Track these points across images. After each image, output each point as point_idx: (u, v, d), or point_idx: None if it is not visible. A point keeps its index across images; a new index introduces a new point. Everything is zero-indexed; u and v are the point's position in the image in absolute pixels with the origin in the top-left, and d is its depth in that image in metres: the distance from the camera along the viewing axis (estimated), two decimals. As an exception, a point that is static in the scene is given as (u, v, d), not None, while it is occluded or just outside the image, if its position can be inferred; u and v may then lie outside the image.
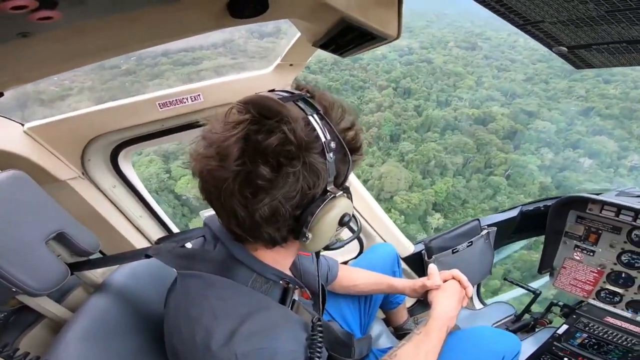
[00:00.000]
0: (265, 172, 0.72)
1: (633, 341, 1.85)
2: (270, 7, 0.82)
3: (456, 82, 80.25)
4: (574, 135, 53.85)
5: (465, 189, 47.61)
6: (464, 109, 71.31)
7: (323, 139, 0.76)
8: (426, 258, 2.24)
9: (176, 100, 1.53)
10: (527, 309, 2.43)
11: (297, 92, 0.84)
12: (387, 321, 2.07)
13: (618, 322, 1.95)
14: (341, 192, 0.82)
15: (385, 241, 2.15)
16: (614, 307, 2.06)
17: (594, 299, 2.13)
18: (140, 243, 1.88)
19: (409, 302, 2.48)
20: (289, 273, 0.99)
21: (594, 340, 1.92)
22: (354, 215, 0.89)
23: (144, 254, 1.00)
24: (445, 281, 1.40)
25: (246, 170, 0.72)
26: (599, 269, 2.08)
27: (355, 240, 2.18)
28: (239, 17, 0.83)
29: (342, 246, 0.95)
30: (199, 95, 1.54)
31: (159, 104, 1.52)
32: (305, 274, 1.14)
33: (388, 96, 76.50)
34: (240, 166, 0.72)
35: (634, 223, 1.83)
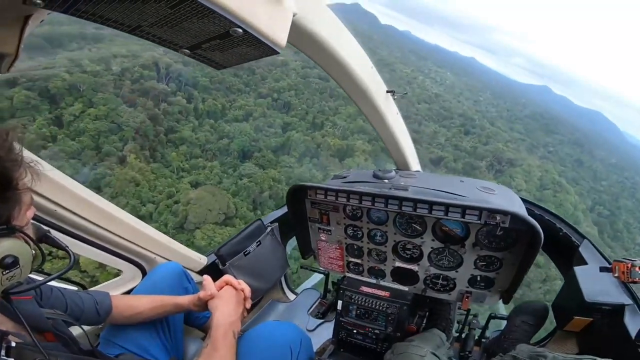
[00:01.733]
0: None
1: (385, 305, 2.17)
2: None
3: (339, 106, 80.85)
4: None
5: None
6: (330, 138, 71.59)
7: None
8: (221, 266, 2.29)
9: None
10: (325, 290, 2.91)
11: None
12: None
13: (370, 290, 2.26)
14: None
15: (169, 261, 2.05)
16: (362, 276, 2.38)
17: (347, 272, 2.43)
18: None
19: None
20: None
21: (362, 310, 2.23)
22: (66, 249, 0.89)
23: None
24: (220, 289, 1.47)
25: None
26: (339, 245, 2.35)
27: (135, 267, 2.04)
28: None
29: (36, 287, 0.92)
30: None
31: None
32: (32, 317, 1.01)
33: (261, 106, 73.38)
34: None
35: (338, 202, 2.06)
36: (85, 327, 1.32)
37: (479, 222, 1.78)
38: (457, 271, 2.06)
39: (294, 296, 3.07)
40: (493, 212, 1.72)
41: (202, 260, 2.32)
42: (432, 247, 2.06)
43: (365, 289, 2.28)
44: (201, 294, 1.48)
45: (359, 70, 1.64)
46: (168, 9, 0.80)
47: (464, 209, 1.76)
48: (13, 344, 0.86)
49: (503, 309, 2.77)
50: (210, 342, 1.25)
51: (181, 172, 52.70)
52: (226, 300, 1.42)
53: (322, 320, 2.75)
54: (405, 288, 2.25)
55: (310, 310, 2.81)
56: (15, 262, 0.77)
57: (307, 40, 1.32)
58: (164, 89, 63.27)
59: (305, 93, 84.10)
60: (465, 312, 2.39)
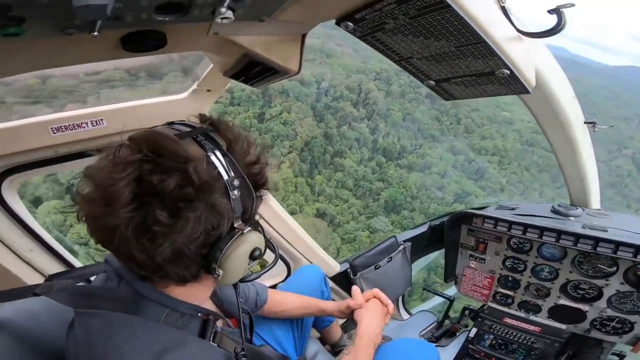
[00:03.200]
0: (163, 217, 0.66)
1: (532, 339, 2.11)
2: (169, 43, 0.84)
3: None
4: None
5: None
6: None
7: (226, 177, 0.73)
8: (352, 276, 2.37)
9: (73, 124, 1.38)
10: (445, 315, 2.70)
11: (197, 125, 0.80)
12: (323, 339, 2.13)
13: (515, 322, 2.19)
14: (249, 228, 0.79)
15: (311, 262, 2.24)
16: (509, 308, 2.28)
17: (492, 302, 2.34)
18: (32, 279, 1.67)
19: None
20: (208, 305, 0.99)
21: (500, 340, 2.18)
22: (271, 243, 0.93)
23: (31, 292, 0.87)
24: (367, 300, 1.52)
25: (140, 216, 0.66)
26: (490, 274, 2.29)
27: (283, 264, 2.27)
28: (134, 52, 0.85)
29: (258, 277, 0.96)
30: (101, 120, 1.41)
31: (51, 128, 1.36)
32: (229, 302, 1.13)
33: (447, 163, 61.21)
34: (132, 212, 0.66)
35: (509, 233, 2.03)
36: None
37: None
38: None
39: (408, 316, 2.94)
40: None
41: (336, 267, 2.38)
42: (617, 290, 1.90)
43: (509, 320, 2.21)
44: (351, 302, 1.51)
45: (561, 99, 1.52)
46: (453, 47, 0.83)
47: None
48: (219, 328, 0.92)
49: None
50: (352, 350, 1.29)
51: (320, 195, 50.71)
52: (373, 312, 1.45)
53: (434, 344, 2.52)
54: (563, 326, 2.11)
55: (423, 332, 2.68)
56: (260, 254, 0.83)
57: (543, 92, 1.37)
58: (353, 112, 63.31)
59: (513, 164, 64.05)
60: (617, 358, 2.12)
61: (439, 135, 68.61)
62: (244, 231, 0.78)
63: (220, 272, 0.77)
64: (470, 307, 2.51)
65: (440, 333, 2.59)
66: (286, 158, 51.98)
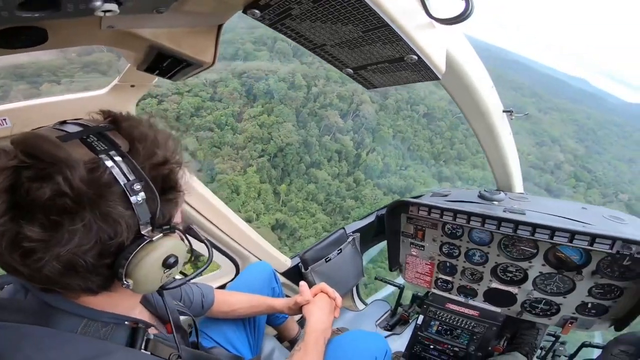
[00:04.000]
0: (33, 232, 0.59)
1: (472, 324, 2.16)
2: (52, 38, 0.78)
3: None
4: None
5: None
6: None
7: (123, 181, 0.66)
8: (303, 270, 2.38)
9: None
10: (398, 303, 2.81)
11: (92, 124, 0.71)
12: (280, 336, 2.12)
13: (456, 308, 2.24)
14: (160, 234, 0.73)
15: (260, 259, 2.17)
16: (450, 293, 2.34)
17: (434, 288, 2.39)
18: None
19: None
20: (138, 313, 0.93)
21: (445, 326, 2.21)
22: (207, 244, 0.92)
23: None
24: (315, 295, 1.51)
25: (12, 230, 0.59)
26: (430, 261, 2.33)
27: (230, 263, 2.18)
28: (10, 48, 0.77)
29: (185, 282, 0.93)
30: (4, 119, 1.26)
31: None
32: (162, 308, 1.04)
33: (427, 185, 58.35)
34: (5, 225, 0.59)
35: (441, 219, 2.07)
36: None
37: (609, 251, 1.71)
38: (565, 297, 1.98)
39: (363, 306, 3.01)
40: (631, 242, 1.66)
41: (287, 262, 2.36)
42: (540, 272, 1.98)
43: (451, 306, 2.27)
44: (298, 298, 1.51)
45: (480, 88, 1.63)
46: (361, 32, 0.84)
47: (593, 238, 1.71)
48: (151, 336, 0.88)
49: (598, 338, 2.66)
50: (302, 346, 1.28)
51: (284, 206, 48.12)
52: (321, 307, 1.46)
53: (389, 333, 2.69)
54: (498, 309, 2.20)
55: (379, 321, 2.77)
56: (176, 262, 0.79)
57: (454, 70, 1.40)
58: (339, 122, 60.46)
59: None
60: (553, 338, 2.29)
61: (429, 158, 65.68)
62: (153, 238, 0.73)
63: (130, 281, 0.71)
64: (418, 294, 2.71)
65: (395, 321, 2.70)
66: (255, 161, 49.44)
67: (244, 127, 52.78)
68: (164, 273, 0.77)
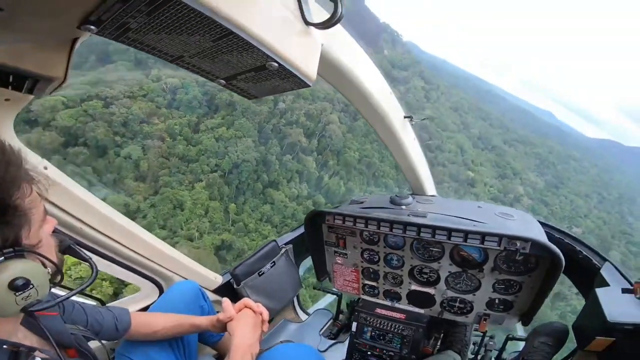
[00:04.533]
0: None
1: (401, 327, 2.19)
2: None
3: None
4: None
5: None
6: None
7: None
8: (235, 285, 2.32)
9: None
10: (338, 311, 2.89)
11: None
12: (219, 354, 2.12)
13: (385, 312, 2.28)
14: (2, 257, 0.75)
15: (185, 279, 2.08)
16: (377, 298, 2.39)
17: (363, 294, 2.44)
18: None
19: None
20: (17, 338, 0.94)
21: (377, 331, 2.24)
22: (91, 263, 0.95)
23: None
24: (239, 311, 1.52)
25: None
26: (355, 268, 2.37)
27: (151, 284, 2.06)
28: None
29: (56, 303, 0.91)
30: None
31: None
32: (57, 333, 1.04)
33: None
34: None
35: (356, 227, 2.12)
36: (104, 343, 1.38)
37: (498, 248, 1.81)
38: (474, 294, 2.07)
39: (306, 316, 3.05)
40: (513, 238, 1.76)
41: (218, 279, 2.32)
42: (449, 272, 2.07)
43: (380, 311, 2.30)
44: (221, 315, 1.50)
45: (378, 97, 1.68)
46: (211, 42, 0.83)
47: (483, 236, 1.81)
48: (38, 359, 0.89)
49: (521, 330, 2.74)
50: None
51: (232, 226, 45.10)
52: (245, 323, 1.45)
53: (334, 341, 2.71)
54: (422, 311, 2.26)
55: (322, 330, 2.79)
56: (27, 284, 0.78)
57: (332, 70, 1.37)
58: (303, 141, 58.51)
59: None
60: (481, 334, 2.37)
61: (393, 186, 65.00)
62: None
63: None
64: (352, 300, 2.72)
65: (337, 330, 2.73)
66: (206, 177, 46.29)
67: (199, 138, 49.63)
68: (16, 296, 0.77)
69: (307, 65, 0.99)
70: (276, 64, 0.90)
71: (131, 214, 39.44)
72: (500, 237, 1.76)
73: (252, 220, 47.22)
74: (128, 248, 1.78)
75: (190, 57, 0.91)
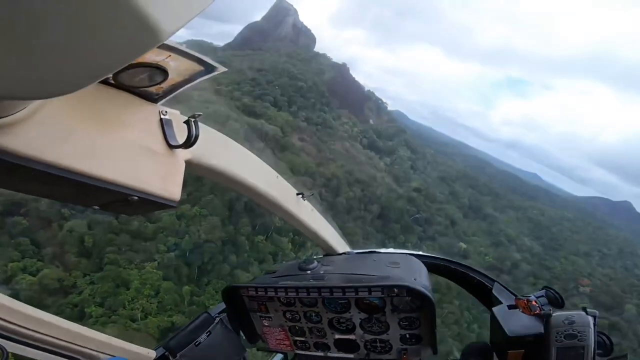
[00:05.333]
0: None
1: None
2: None
3: None
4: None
5: None
6: None
7: None
8: (171, 358, 2.28)
9: None
10: None
11: None
12: None
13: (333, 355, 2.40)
14: None
15: (113, 356, 2.04)
16: (310, 351, 2.50)
17: (297, 349, 2.56)
18: None
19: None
20: None
21: None
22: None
23: None
24: None
25: None
26: (281, 328, 2.51)
27: None
28: None
29: None
30: None
31: None
32: None
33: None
34: None
35: (267, 295, 2.31)
36: None
37: (383, 295, 2.05)
38: (387, 333, 2.22)
39: None
40: (390, 287, 2.00)
41: (151, 354, 2.27)
42: (360, 318, 2.23)
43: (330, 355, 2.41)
44: None
45: (264, 184, 1.77)
46: (71, 188, 0.89)
47: (369, 289, 2.04)
48: None
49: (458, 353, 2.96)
50: None
51: (188, 308, 39.30)
52: None
53: None
54: (351, 355, 2.39)
55: None
56: None
57: (209, 173, 1.43)
58: (277, 221, 55.40)
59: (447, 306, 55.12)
60: None
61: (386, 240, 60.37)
62: None
63: None
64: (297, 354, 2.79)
65: None
66: (161, 256, 41.84)
67: (159, 215, 46.44)
68: None
69: (168, 189, 1.03)
70: (136, 198, 0.95)
71: (65, 290, 37.20)
72: (382, 287, 2.02)
73: (216, 302, 41.30)
74: (42, 334, 1.69)
75: (61, 196, 1.01)
